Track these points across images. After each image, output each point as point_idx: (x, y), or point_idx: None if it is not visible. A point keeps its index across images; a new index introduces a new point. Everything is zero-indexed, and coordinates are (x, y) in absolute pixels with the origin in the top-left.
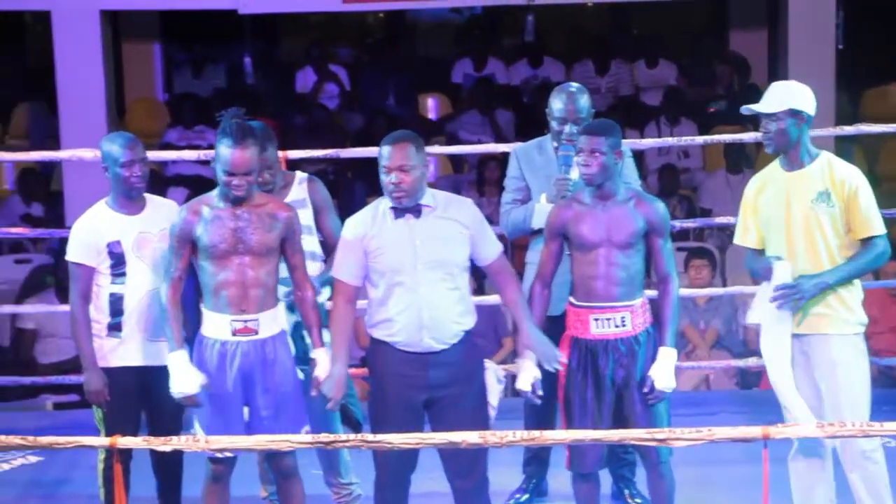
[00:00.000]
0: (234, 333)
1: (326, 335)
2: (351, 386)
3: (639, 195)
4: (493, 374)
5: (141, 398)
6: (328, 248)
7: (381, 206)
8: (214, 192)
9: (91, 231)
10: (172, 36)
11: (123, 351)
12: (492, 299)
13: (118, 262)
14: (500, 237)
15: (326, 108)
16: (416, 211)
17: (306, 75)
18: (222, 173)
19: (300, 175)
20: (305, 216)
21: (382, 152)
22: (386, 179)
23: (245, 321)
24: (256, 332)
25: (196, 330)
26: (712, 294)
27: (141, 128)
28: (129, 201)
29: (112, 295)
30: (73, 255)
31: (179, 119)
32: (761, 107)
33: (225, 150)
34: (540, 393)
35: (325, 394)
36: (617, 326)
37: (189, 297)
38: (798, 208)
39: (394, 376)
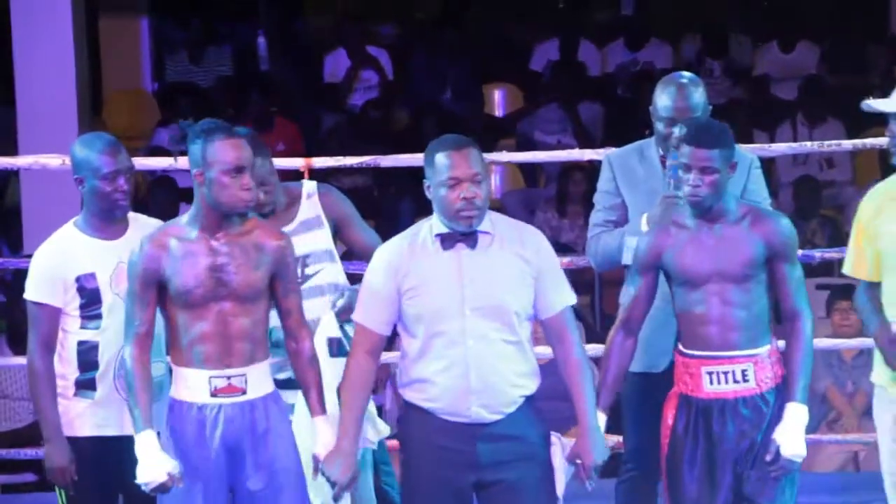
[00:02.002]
0: (215, 394)
1: None
2: (388, 462)
3: (754, 211)
4: (561, 452)
5: (116, 477)
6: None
7: (422, 233)
8: (183, 219)
9: (57, 261)
10: (165, 9)
11: (96, 416)
12: None
13: (91, 301)
14: (586, 270)
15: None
16: (472, 240)
17: (337, 60)
18: (224, 175)
19: (308, 187)
20: (322, 238)
21: (441, 161)
22: (452, 195)
23: (228, 377)
24: (244, 392)
25: None
26: (863, 346)
27: (123, 127)
28: (108, 223)
29: (82, 343)
30: (32, 292)
31: (173, 115)
32: (889, 105)
33: (222, 145)
34: None
35: (328, 476)
36: (737, 382)
37: None
38: None
39: (432, 452)
